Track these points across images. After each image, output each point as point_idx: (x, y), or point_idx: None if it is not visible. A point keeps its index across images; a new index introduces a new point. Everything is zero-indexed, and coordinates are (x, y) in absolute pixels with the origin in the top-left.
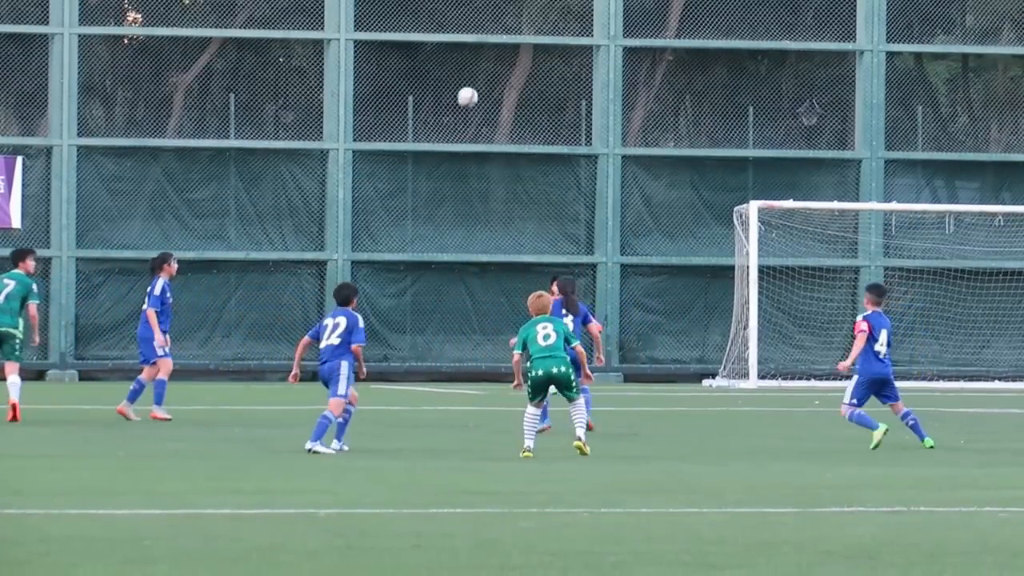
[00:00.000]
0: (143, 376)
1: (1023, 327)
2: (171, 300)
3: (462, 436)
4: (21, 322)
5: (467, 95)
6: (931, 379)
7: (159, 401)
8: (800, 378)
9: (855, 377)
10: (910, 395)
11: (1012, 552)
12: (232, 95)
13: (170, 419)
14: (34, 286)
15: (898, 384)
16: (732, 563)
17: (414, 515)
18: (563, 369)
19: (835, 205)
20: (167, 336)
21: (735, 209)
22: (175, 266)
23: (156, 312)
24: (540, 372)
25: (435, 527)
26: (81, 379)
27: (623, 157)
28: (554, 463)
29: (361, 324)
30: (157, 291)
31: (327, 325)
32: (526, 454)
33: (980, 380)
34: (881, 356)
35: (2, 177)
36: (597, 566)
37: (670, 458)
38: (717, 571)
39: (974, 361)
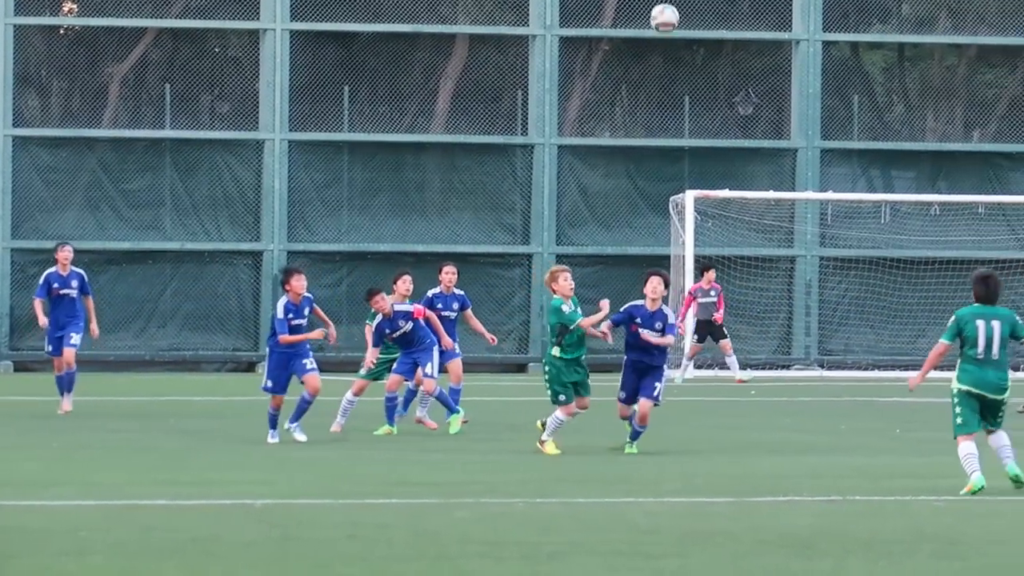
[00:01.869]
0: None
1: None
2: (61, 290)
3: (398, 426)
4: None
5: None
6: (867, 368)
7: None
8: (741, 367)
9: None
10: (846, 385)
11: (948, 540)
12: (168, 85)
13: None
14: None
15: (834, 374)
16: (667, 553)
17: (350, 505)
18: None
19: (771, 195)
20: (70, 329)
21: (671, 199)
22: (63, 254)
23: (43, 301)
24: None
25: (371, 517)
26: (16, 370)
27: (559, 147)
28: (490, 454)
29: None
30: (41, 280)
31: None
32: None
33: (915, 370)
34: None
35: None
36: (533, 556)
37: (604, 447)
38: (652, 561)
39: (910, 350)
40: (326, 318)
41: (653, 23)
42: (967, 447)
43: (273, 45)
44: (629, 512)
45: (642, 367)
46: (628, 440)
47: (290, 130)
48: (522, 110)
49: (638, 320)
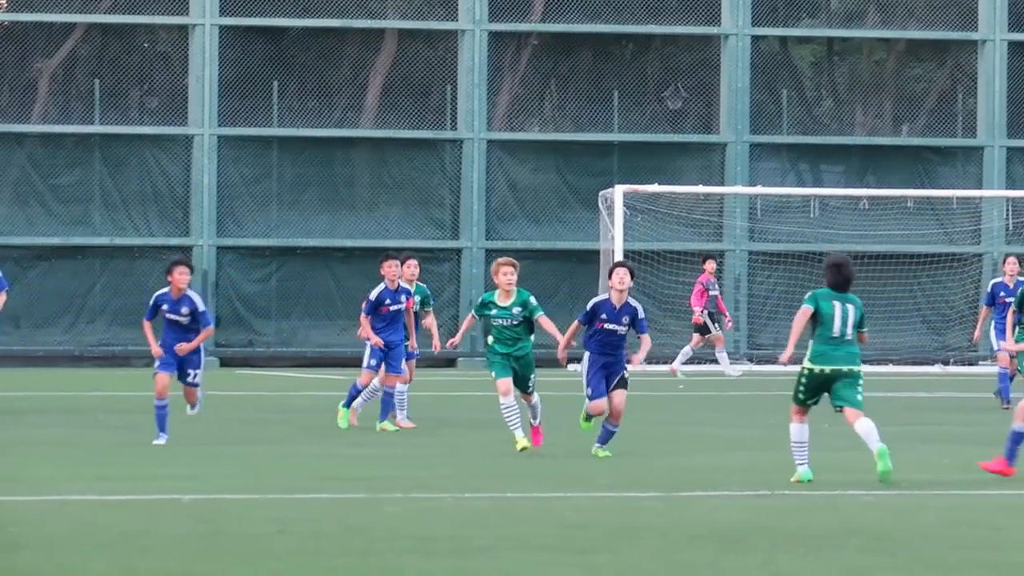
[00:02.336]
0: None
1: (887, 311)
2: None
3: (327, 422)
4: None
5: None
6: (796, 363)
7: None
8: (666, 362)
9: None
10: (775, 379)
11: (876, 535)
12: (97, 81)
13: None
14: None
15: (763, 368)
16: (597, 547)
17: (279, 500)
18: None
19: (700, 189)
20: None
21: (600, 193)
22: None
23: None
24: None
25: (300, 512)
26: None
27: (488, 142)
28: (419, 449)
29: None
30: None
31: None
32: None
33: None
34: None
35: None
36: (462, 551)
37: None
38: (582, 555)
39: None
40: (190, 346)
41: None
42: (799, 432)
43: (202, 40)
44: (559, 507)
45: (609, 364)
46: (597, 443)
47: (219, 125)
48: (451, 105)
49: (603, 316)
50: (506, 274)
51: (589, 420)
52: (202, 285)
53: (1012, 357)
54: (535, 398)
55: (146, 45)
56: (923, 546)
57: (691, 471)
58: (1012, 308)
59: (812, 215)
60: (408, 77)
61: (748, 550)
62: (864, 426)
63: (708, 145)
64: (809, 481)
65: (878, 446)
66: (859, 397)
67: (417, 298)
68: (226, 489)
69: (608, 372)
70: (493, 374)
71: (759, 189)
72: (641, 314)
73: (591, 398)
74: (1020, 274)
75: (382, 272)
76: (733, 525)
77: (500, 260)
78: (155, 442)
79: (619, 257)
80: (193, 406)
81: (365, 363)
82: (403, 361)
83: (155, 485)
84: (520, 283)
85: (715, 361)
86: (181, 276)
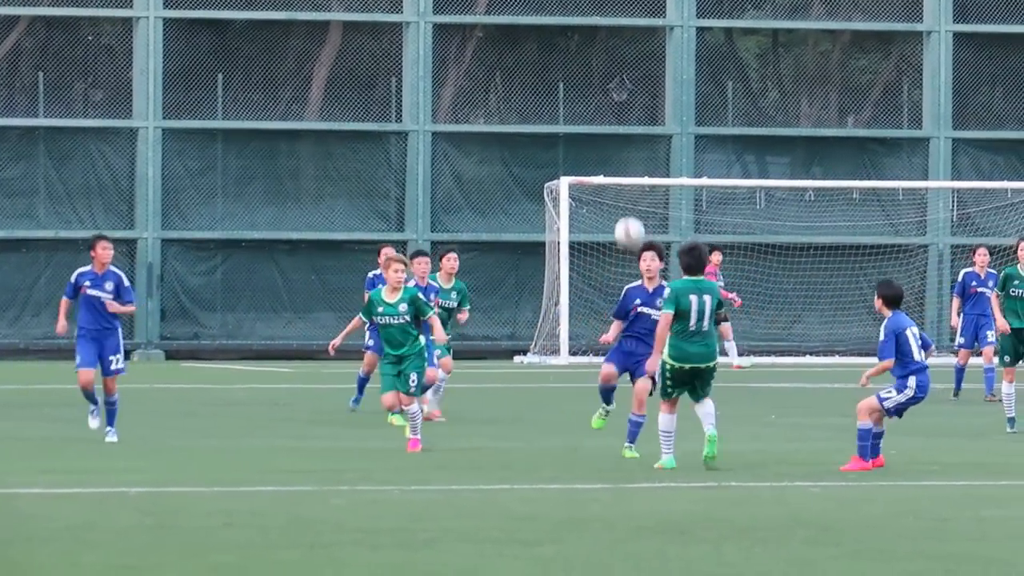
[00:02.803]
0: None
1: (834, 302)
2: None
3: (273, 414)
4: None
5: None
6: (742, 354)
7: None
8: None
9: None
10: (721, 371)
11: (823, 527)
12: (41, 73)
13: None
14: None
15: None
16: (543, 539)
17: (225, 493)
18: None
19: (646, 181)
20: None
21: (546, 185)
22: None
23: None
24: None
25: (246, 505)
26: None
27: (433, 134)
28: (365, 441)
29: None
30: None
31: None
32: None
33: (791, 355)
34: None
35: None
36: (408, 543)
37: (482, 435)
38: (528, 548)
39: (785, 336)
40: (121, 308)
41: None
42: (667, 422)
43: (146, 33)
44: (505, 499)
45: (635, 350)
46: (627, 442)
47: (164, 118)
48: (396, 97)
49: (638, 301)
50: (397, 271)
51: (606, 416)
52: (147, 278)
53: (993, 343)
54: (415, 406)
55: (90, 38)
56: (869, 537)
57: (638, 462)
58: (996, 292)
59: (758, 206)
60: (353, 69)
61: (695, 541)
62: (705, 408)
63: (653, 137)
64: (672, 468)
65: (710, 431)
66: (710, 387)
67: (455, 294)
68: (172, 482)
69: (637, 358)
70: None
71: (704, 181)
72: None
73: (608, 364)
74: (990, 265)
75: (412, 269)
76: (680, 517)
77: (391, 256)
78: (91, 421)
79: (565, 249)
80: (111, 404)
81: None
82: (434, 355)
83: (101, 478)
84: (465, 275)
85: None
86: (104, 251)
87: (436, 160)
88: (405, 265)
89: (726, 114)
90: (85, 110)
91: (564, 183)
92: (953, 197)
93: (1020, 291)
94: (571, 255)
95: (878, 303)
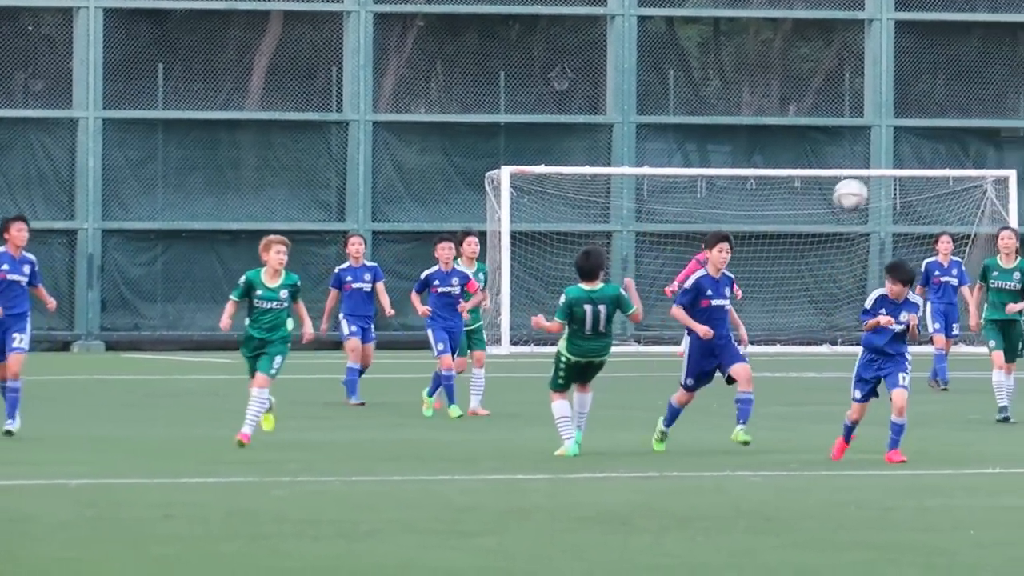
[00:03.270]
0: None
1: (775, 291)
2: None
3: (214, 405)
4: None
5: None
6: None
7: None
8: (553, 344)
9: None
10: (662, 360)
11: (764, 516)
12: None
13: None
14: None
15: (651, 349)
16: (485, 530)
17: (165, 485)
18: None
19: (587, 170)
20: None
21: (487, 175)
22: None
23: None
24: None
25: (187, 496)
26: None
27: (374, 123)
28: (306, 432)
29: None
30: None
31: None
32: None
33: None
34: None
35: None
36: (349, 534)
37: (422, 425)
38: (469, 539)
39: None
40: (46, 297)
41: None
42: (561, 408)
43: (87, 23)
44: (445, 490)
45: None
46: (739, 423)
47: (104, 108)
48: (337, 87)
49: (709, 292)
50: (279, 252)
51: (663, 441)
52: (87, 269)
53: (957, 335)
54: (267, 391)
55: (30, 28)
56: (810, 527)
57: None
58: (978, 284)
59: (699, 195)
60: (294, 59)
61: (636, 532)
62: (583, 400)
63: (595, 126)
64: (575, 456)
65: (577, 434)
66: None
67: (481, 276)
68: (112, 474)
69: (716, 355)
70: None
71: (646, 170)
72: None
73: (685, 388)
74: (954, 252)
75: (436, 255)
76: (621, 507)
77: (272, 237)
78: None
79: (506, 239)
80: (14, 390)
81: (434, 350)
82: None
83: (40, 470)
84: (406, 265)
85: (639, 340)
86: (19, 233)
87: (377, 150)
88: (287, 247)
89: (667, 103)
90: (25, 100)
91: (505, 172)
92: (895, 185)
93: (1000, 282)
94: (512, 245)
95: (897, 287)
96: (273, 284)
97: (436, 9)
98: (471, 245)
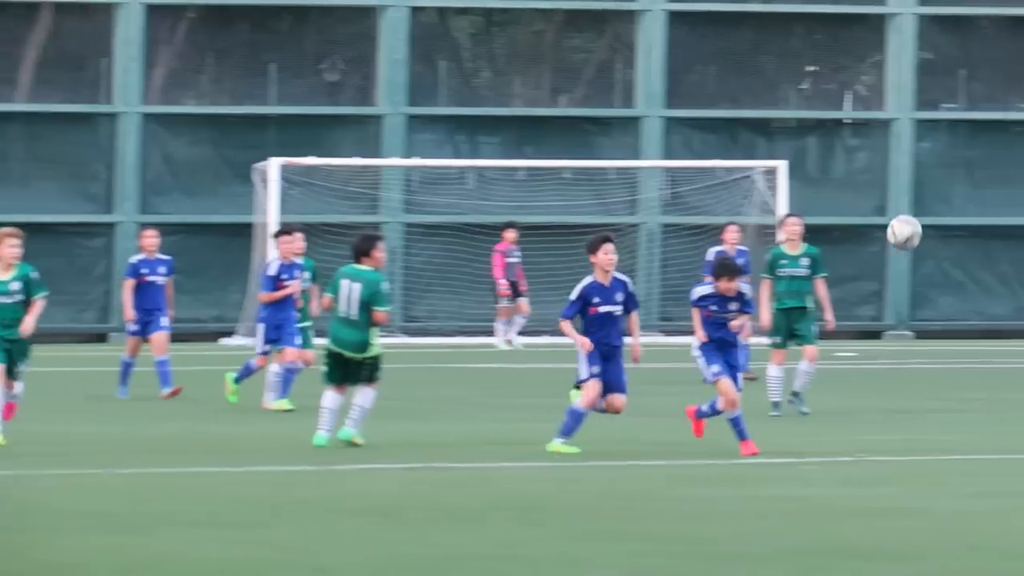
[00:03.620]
0: None
1: (546, 281)
2: None
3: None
4: None
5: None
6: (451, 335)
7: None
8: (324, 335)
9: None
10: (430, 352)
11: (526, 508)
12: None
13: None
14: None
15: (418, 340)
16: (252, 522)
17: None
18: None
19: (356, 161)
20: None
21: (254, 166)
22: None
23: None
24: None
25: None
26: None
27: (144, 115)
28: (68, 424)
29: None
30: None
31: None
32: None
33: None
34: None
35: None
36: (115, 527)
37: (188, 418)
38: (237, 530)
39: (495, 317)
40: None
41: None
42: (330, 399)
43: None
44: (211, 482)
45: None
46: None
47: None
48: (107, 79)
49: (596, 300)
50: (12, 245)
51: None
52: None
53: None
54: (18, 387)
55: None
56: (576, 518)
57: (344, 445)
58: (765, 277)
59: (469, 186)
60: (63, 51)
61: (401, 524)
62: (358, 399)
63: (365, 117)
64: (321, 447)
65: (344, 430)
66: (374, 373)
67: (307, 274)
68: None
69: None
70: None
71: (415, 161)
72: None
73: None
74: (741, 242)
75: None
76: (387, 498)
77: (3, 230)
78: None
79: (272, 230)
80: None
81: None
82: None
83: None
84: (176, 258)
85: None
86: None
87: (146, 142)
88: (19, 239)
89: (438, 94)
90: None
91: (273, 164)
92: (665, 176)
93: (789, 271)
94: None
95: (725, 284)
96: (5, 277)
97: (208, 1)
98: (297, 241)
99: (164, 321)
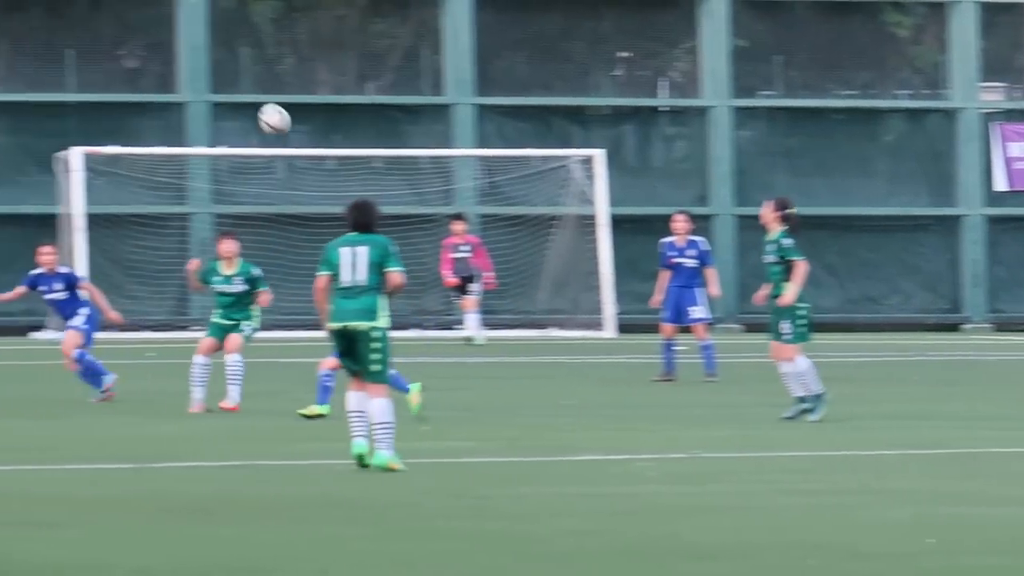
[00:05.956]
0: None
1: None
2: None
3: None
4: None
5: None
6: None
7: None
8: (135, 329)
9: None
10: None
11: (356, 505)
12: None
13: None
14: None
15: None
16: (66, 522)
17: None
18: None
19: (161, 151)
20: None
21: (55, 156)
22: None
23: None
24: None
25: None
26: None
27: None
28: None
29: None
30: None
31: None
32: None
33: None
34: None
35: None
36: None
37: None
38: (50, 530)
39: (310, 309)
40: None
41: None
42: (355, 400)
43: None
44: (24, 480)
45: None
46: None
47: None
48: None
49: None
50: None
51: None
52: None
53: (705, 319)
54: None
55: None
56: (403, 515)
57: (162, 440)
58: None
59: (278, 176)
60: None
61: (220, 522)
62: (377, 407)
63: (167, 105)
64: (360, 456)
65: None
66: (377, 366)
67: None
68: None
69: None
70: None
71: (221, 150)
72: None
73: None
74: (691, 232)
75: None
76: (205, 496)
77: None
78: None
79: (80, 222)
80: None
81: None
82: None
83: None
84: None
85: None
86: None
87: None
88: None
89: (241, 81)
90: None
91: (75, 153)
92: (480, 165)
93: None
94: (89, 228)
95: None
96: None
97: None
98: (229, 243)
99: None
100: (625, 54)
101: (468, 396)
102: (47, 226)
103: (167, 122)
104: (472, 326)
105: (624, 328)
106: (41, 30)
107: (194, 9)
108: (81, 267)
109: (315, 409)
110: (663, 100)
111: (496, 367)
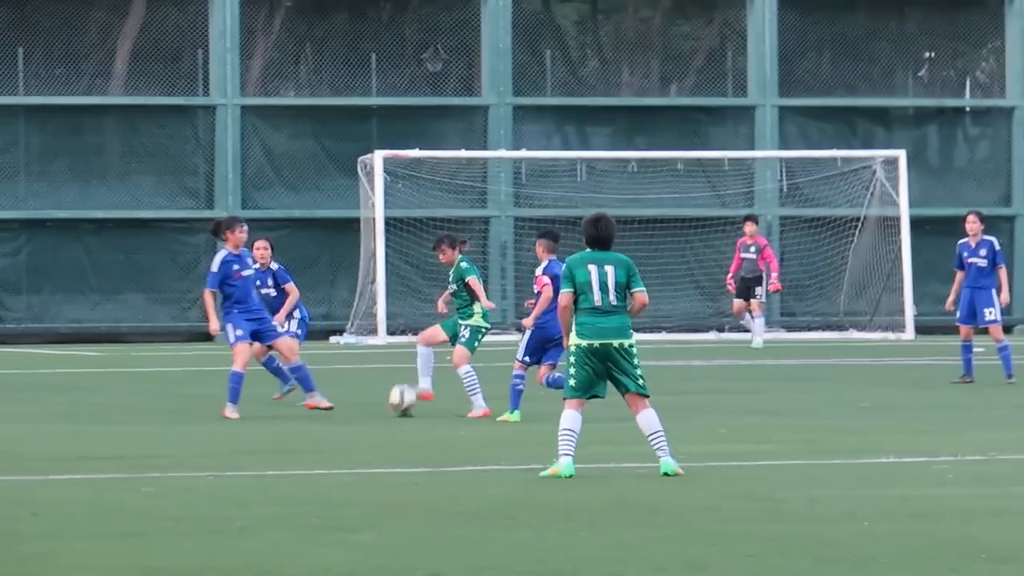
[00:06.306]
0: None
1: (659, 277)
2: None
3: (80, 399)
4: None
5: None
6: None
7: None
8: (406, 332)
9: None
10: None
11: (650, 509)
12: None
13: None
14: None
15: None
16: (362, 525)
17: (31, 482)
18: None
19: (463, 154)
20: None
21: (359, 159)
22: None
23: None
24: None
25: (53, 494)
26: None
27: (242, 107)
28: (175, 426)
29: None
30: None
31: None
32: None
33: (641, 330)
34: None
35: None
36: (222, 531)
37: (296, 418)
38: (347, 534)
39: None
40: None
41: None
42: (569, 419)
43: None
44: (322, 484)
45: None
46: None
47: None
48: (203, 70)
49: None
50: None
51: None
52: None
53: (997, 320)
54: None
55: None
56: (698, 519)
57: (457, 444)
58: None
59: (579, 179)
60: (158, 42)
61: (518, 526)
62: (647, 418)
63: (470, 108)
64: (570, 476)
65: (664, 462)
66: (641, 380)
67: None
68: None
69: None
70: None
71: (523, 153)
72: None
73: None
74: (983, 232)
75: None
76: (502, 501)
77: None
78: None
79: (380, 226)
80: None
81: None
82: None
83: None
84: (279, 254)
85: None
86: None
87: (246, 135)
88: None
89: (545, 84)
90: None
91: (378, 157)
92: (781, 167)
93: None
94: (387, 231)
95: None
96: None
97: None
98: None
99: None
100: (930, 54)
101: (766, 399)
102: (347, 230)
103: (469, 125)
104: (756, 330)
105: (923, 330)
106: (345, 34)
107: (499, 12)
108: (380, 269)
109: (508, 417)
110: (967, 100)
111: (794, 369)
